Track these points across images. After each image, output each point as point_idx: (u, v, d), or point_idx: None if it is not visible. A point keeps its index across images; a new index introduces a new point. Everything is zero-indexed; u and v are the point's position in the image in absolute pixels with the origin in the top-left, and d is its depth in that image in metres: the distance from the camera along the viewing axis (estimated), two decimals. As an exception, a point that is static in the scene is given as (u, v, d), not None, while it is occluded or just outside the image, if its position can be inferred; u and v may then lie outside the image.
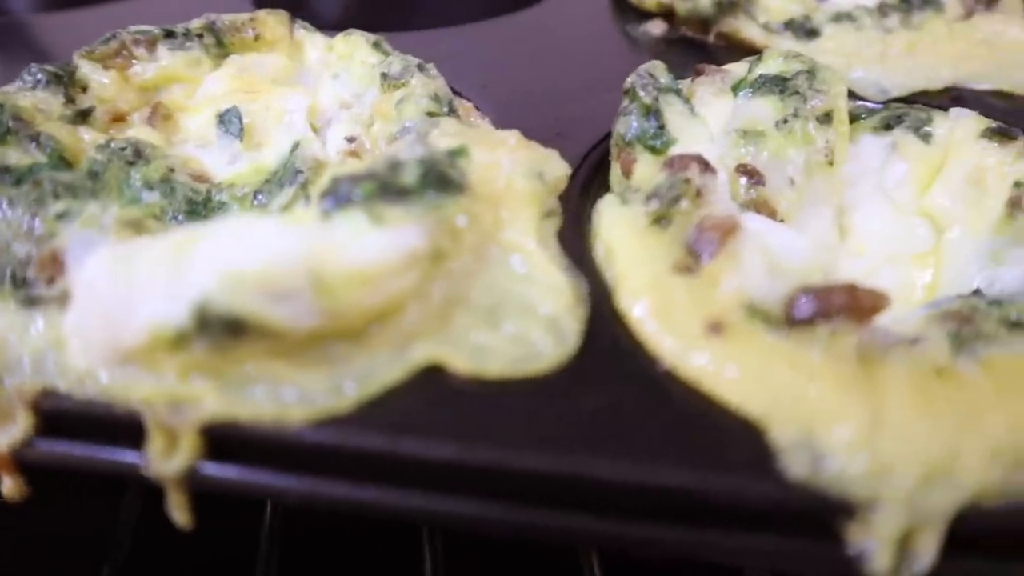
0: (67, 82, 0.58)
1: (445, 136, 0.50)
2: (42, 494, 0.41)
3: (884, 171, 0.55)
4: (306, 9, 1.02)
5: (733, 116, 0.54)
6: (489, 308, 0.42)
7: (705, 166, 0.48)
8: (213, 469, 0.38)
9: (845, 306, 0.39)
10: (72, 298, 0.41)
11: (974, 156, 0.53)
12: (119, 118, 0.60)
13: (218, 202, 0.54)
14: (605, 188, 0.54)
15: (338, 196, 0.41)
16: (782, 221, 0.51)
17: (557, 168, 0.50)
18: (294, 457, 0.38)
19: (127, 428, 0.38)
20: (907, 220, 0.53)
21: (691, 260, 0.42)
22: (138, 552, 0.57)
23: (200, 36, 0.63)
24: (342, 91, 0.63)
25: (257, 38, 0.65)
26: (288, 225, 0.41)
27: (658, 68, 0.55)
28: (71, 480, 0.42)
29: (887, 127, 0.56)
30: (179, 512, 0.39)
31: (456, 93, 0.63)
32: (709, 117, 0.55)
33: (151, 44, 0.62)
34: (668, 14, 0.79)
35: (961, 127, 0.55)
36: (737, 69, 0.59)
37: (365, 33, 0.65)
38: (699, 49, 0.76)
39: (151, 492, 0.39)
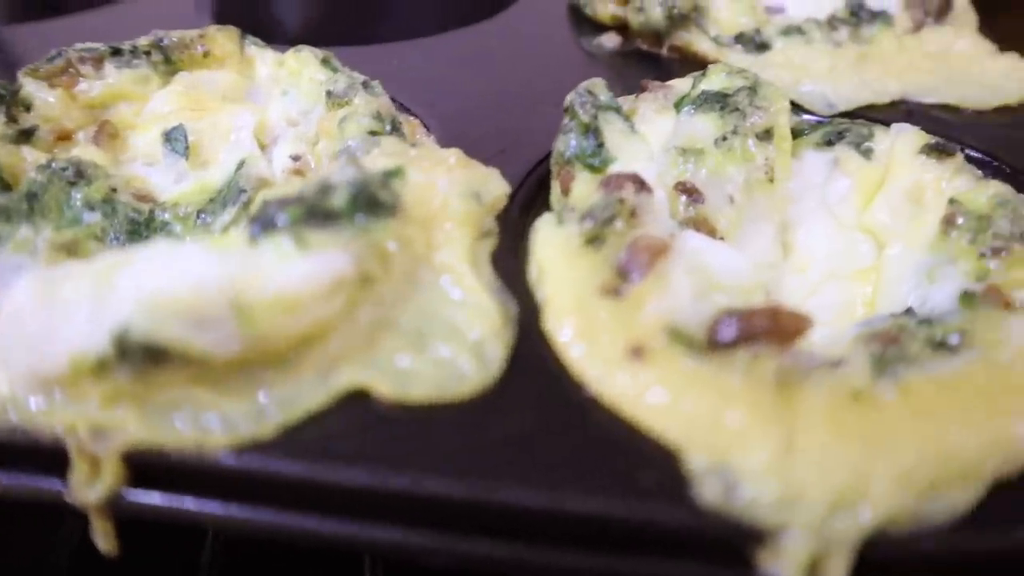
0: (9, 101, 0.57)
1: (383, 156, 0.50)
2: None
3: (827, 187, 0.55)
4: (270, 23, 1.02)
5: (674, 133, 0.54)
6: (416, 332, 0.42)
7: (641, 185, 0.48)
8: (137, 496, 0.38)
9: (767, 329, 0.39)
10: (-4, 324, 0.40)
11: (913, 172, 0.53)
12: (64, 137, 0.59)
13: (161, 222, 0.54)
14: (547, 206, 0.54)
15: (264, 221, 0.41)
16: (722, 239, 0.51)
17: (495, 187, 0.50)
18: (217, 483, 0.38)
19: (50, 455, 0.38)
20: (850, 236, 0.53)
21: (620, 282, 0.42)
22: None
23: (148, 53, 0.63)
24: (290, 108, 0.62)
25: (206, 55, 0.64)
26: (215, 250, 0.41)
27: (598, 86, 0.55)
28: (2, 508, 0.42)
29: (828, 143, 0.56)
30: (104, 539, 0.39)
31: (405, 109, 0.63)
32: (650, 134, 0.55)
33: (98, 61, 0.61)
34: (622, 27, 0.78)
35: (901, 142, 0.55)
36: (681, 85, 0.59)
37: (315, 49, 0.64)
38: (653, 62, 0.76)
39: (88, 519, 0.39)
